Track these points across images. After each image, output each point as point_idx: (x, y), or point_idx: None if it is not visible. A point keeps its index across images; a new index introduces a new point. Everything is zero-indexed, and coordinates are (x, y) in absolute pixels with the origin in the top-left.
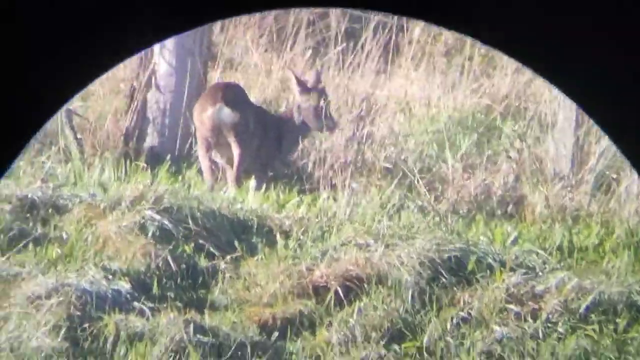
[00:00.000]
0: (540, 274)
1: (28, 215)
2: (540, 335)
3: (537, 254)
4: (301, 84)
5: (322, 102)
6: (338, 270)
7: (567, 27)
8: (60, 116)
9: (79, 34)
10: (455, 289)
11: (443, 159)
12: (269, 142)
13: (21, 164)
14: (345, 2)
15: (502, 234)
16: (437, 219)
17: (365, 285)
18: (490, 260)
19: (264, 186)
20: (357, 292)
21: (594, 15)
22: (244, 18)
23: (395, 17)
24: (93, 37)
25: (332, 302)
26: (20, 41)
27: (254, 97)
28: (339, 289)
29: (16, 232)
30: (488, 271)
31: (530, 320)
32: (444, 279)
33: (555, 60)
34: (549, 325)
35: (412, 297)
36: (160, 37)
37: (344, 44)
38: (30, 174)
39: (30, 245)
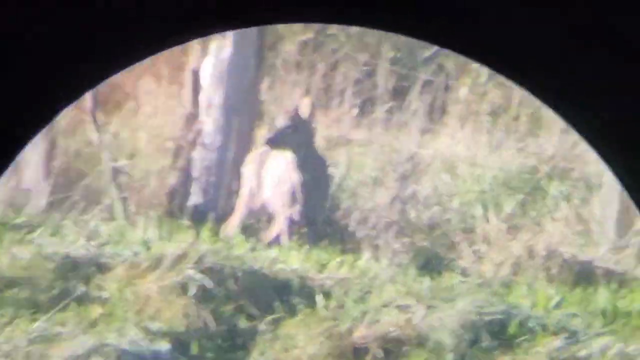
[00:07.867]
0: (583, 338)
1: (71, 273)
2: None
3: (581, 317)
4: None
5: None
6: (378, 331)
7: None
8: (105, 174)
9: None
10: (496, 352)
11: (487, 220)
12: None
13: (66, 222)
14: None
15: (545, 297)
16: (479, 280)
17: (406, 347)
18: (532, 324)
19: None
20: (397, 354)
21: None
22: (292, 76)
23: (443, 76)
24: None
25: None
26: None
27: None
28: (379, 350)
29: (58, 291)
30: (530, 335)
31: None
32: (485, 342)
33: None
34: None
35: None
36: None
37: (391, 103)
38: (75, 232)
39: (72, 305)
